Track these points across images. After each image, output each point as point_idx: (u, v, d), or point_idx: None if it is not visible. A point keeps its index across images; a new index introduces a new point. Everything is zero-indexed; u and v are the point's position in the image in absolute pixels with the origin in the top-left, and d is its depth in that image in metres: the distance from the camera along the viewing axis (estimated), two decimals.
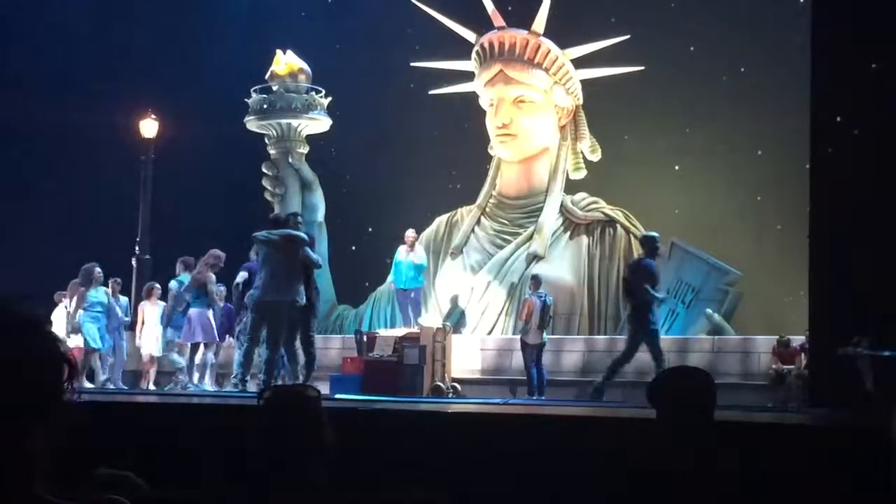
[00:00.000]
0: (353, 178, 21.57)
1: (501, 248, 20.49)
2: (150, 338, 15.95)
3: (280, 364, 12.36)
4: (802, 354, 14.52)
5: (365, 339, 15.85)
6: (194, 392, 13.79)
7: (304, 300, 12.03)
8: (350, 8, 21.82)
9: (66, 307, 16.34)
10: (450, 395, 14.69)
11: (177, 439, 6.48)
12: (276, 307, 11.96)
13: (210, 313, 14.81)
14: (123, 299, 16.76)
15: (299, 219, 12.95)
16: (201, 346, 15.01)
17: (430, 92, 21.20)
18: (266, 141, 21.86)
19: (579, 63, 20.27)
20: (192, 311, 14.78)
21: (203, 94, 21.34)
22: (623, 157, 20.09)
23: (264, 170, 21.72)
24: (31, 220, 21.00)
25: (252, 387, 12.26)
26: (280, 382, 12.06)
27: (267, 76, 21.62)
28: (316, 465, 3.17)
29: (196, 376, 14.83)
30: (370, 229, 21.43)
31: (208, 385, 14.91)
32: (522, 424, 6.97)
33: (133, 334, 16.45)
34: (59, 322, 16.00)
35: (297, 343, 12.52)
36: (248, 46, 21.67)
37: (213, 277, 14.72)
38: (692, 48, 19.33)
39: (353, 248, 21.64)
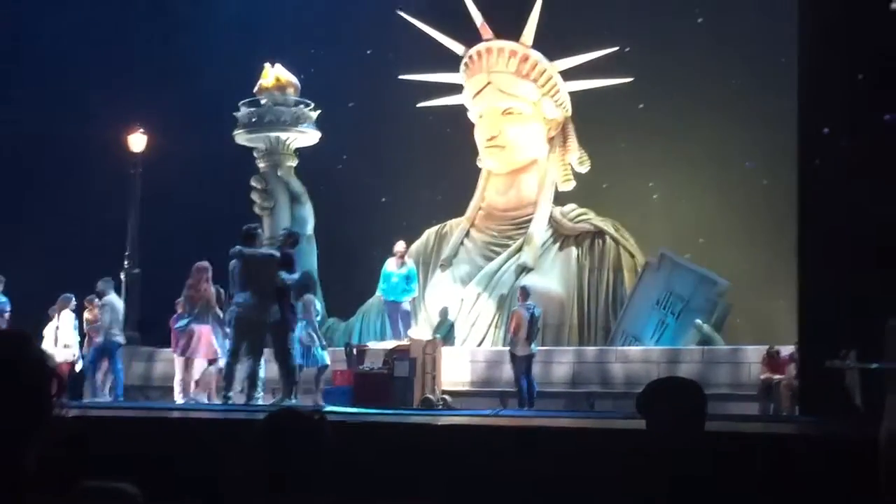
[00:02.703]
0: (342, 191, 21.53)
1: (491, 259, 20.47)
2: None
3: (259, 376, 12.61)
4: (792, 364, 14.53)
5: (355, 351, 15.83)
6: (190, 406, 13.74)
7: (279, 317, 12.49)
8: (338, 21, 21.83)
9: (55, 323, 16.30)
10: (440, 407, 14.66)
11: (167, 452, 6.48)
12: (257, 324, 12.24)
13: (214, 327, 14.60)
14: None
15: (291, 234, 13.27)
16: (196, 362, 14.93)
17: (419, 105, 21.21)
18: (255, 154, 21.81)
19: (568, 75, 20.30)
20: (194, 327, 14.59)
21: (192, 108, 21.30)
22: (612, 169, 20.12)
23: (253, 183, 21.66)
24: (19, 234, 20.90)
25: (238, 399, 12.52)
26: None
27: (255, 89, 21.60)
28: (315, 486, 3.15)
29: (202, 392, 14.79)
30: (359, 242, 21.40)
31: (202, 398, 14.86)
32: (512, 436, 6.99)
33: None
34: (49, 337, 15.97)
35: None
36: (236, 60, 21.65)
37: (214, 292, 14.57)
38: (681, 60, 19.37)
39: (343, 260, 21.62)
